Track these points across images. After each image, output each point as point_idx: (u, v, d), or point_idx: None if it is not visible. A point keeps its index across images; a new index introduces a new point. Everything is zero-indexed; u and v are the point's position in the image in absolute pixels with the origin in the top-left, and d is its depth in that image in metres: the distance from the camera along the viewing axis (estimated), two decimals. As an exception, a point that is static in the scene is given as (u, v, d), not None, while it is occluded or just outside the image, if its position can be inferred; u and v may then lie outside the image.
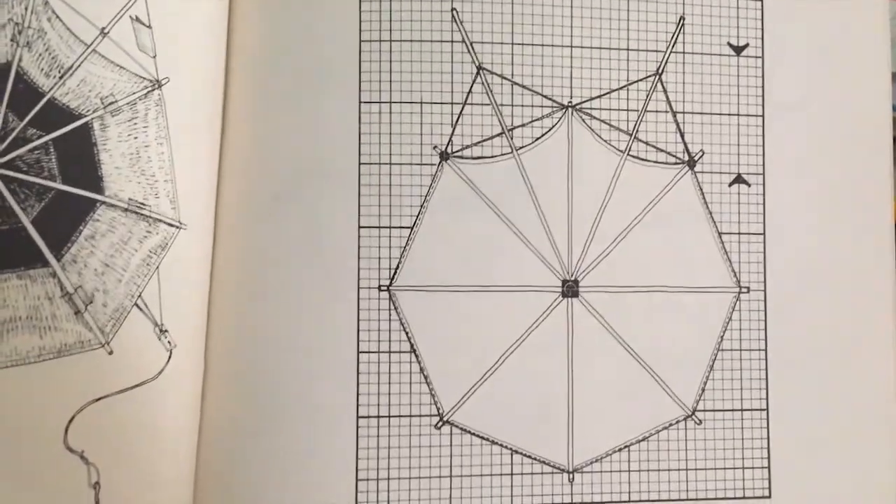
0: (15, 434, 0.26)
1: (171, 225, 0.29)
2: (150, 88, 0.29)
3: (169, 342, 0.29)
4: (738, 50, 0.33)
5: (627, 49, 0.33)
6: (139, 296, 0.28)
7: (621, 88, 0.33)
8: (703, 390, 0.32)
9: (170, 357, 0.29)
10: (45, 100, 0.27)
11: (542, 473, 0.31)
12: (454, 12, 0.32)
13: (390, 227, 0.31)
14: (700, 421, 0.32)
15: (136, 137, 0.28)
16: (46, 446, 0.26)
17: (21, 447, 0.26)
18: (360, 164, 0.31)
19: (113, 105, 0.28)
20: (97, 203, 0.27)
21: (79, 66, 0.27)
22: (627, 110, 0.32)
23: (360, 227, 0.31)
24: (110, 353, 0.27)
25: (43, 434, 0.26)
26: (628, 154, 0.32)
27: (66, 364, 0.26)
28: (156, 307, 0.28)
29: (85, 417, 0.27)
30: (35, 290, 0.26)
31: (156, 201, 0.29)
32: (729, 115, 0.33)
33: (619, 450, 0.32)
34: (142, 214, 0.28)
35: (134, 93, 0.28)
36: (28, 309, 0.26)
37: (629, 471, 0.32)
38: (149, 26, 0.29)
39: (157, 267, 0.28)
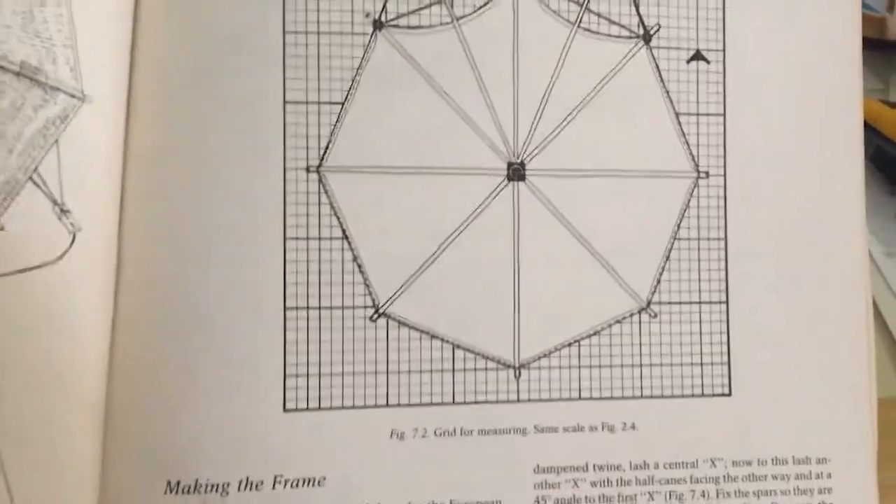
0: None
1: (72, 96, 0.26)
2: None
3: (72, 224, 0.26)
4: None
5: (578, -90, 0.30)
6: (35, 170, 0.25)
7: (571, -46, 0.30)
8: (659, 281, 0.30)
9: (73, 240, 0.26)
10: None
11: (486, 370, 0.29)
12: None
13: (319, 103, 0.29)
14: (655, 314, 0.30)
15: (28, -6, 0.25)
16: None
17: None
18: (284, 32, 0.28)
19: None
20: (-18, 62, 0.24)
21: None
22: (578, -23, 0.30)
23: (285, 101, 0.28)
24: (1, 228, 0.24)
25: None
26: (579, 26, 0.30)
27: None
28: (55, 184, 0.25)
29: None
30: None
31: (53, 67, 0.26)
32: (688, -15, 0.30)
33: (569, 345, 0.30)
34: (36, 80, 0.25)
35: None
36: None
37: (580, 367, 0.30)
38: None
39: (56, 140, 0.26)
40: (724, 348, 0.30)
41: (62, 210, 0.26)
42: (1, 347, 0.24)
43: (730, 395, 0.30)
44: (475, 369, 0.29)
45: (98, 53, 0.27)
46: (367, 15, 0.29)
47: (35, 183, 0.25)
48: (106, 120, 0.27)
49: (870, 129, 0.44)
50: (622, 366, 0.30)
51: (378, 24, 0.29)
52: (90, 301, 0.26)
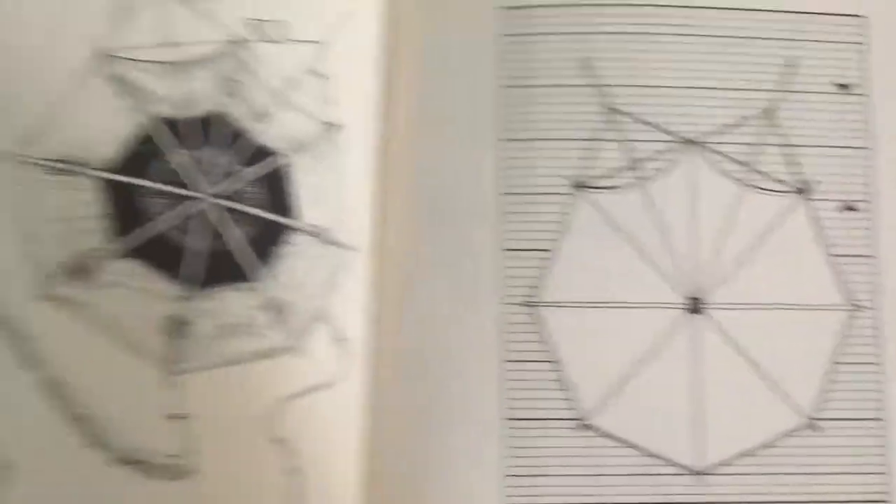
0: (227, 423, 0.30)
1: (348, 248, 0.34)
2: (329, 131, 0.34)
3: (346, 350, 0.33)
4: (844, 88, 0.37)
5: (743, 89, 0.36)
6: (324, 309, 0.33)
7: (737, 125, 0.36)
8: (821, 400, 0.35)
9: (347, 363, 0.33)
10: (248, 141, 0.32)
11: (672, 475, 0.35)
12: (586, 60, 0.36)
13: (531, 251, 0.35)
14: (819, 429, 0.35)
15: (319, 173, 0.33)
16: (254, 434, 0.30)
17: (231, 435, 0.30)
18: (500, 193, 0.36)
19: (302, 145, 0.33)
20: (292, 229, 0.32)
21: (276, 112, 0.33)
22: (746, 144, 0.36)
23: (502, 249, 0.35)
24: (301, 356, 0.32)
25: (250, 424, 0.31)
26: (745, 184, 0.36)
27: (269, 365, 0.31)
28: (337, 319, 0.33)
29: (284, 411, 0.31)
30: (246, 301, 0.31)
31: (335, 228, 0.33)
32: (839, 147, 0.36)
33: (745, 455, 0.35)
34: (324, 239, 0.33)
35: (318, 135, 0.33)
36: (241, 317, 0.31)
37: (753, 474, 0.35)
38: (328, 78, 0.34)
39: (337, 284, 0.33)
40: (882, 459, 0.35)
41: (341, 339, 0.33)
42: (302, 451, 0.31)
43: (888, 502, 0.35)
44: (663, 474, 0.35)
45: (362, 213, 0.35)
46: (569, 179, 0.36)
47: (323, 319, 0.33)
48: (367, 267, 0.35)
49: None
50: (789, 473, 0.35)
51: (578, 187, 0.36)
52: (359, 412, 0.33)
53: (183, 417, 0.29)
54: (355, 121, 0.35)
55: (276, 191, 0.32)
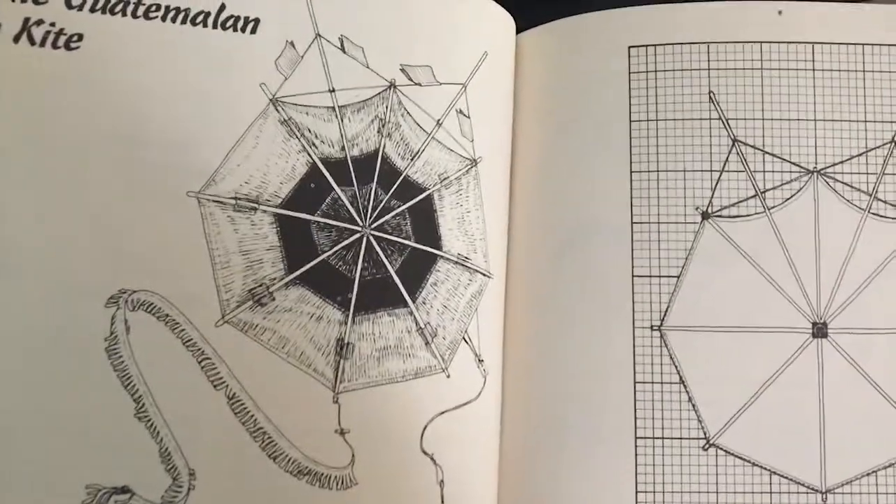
0: (383, 438, 0.33)
1: (485, 275, 0.36)
2: (470, 166, 0.36)
3: (484, 370, 0.36)
4: (966, 118, 0.38)
5: (865, 120, 0.38)
6: (465, 331, 0.35)
7: (861, 155, 0.38)
8: (947, 423, 0.36)
9: (485, 382, 0.36)
10: (401, 177, 0.35)
11: (798, 493, 0.36)
12: (711, 94, 0.38)
13: (660, 276, 0.37)
14: (944, 450, 0.36)
15: (461, 205, 0.36)
16: (406, 449, 0.33)
17: (387, 449, 0.33)
18: (632, 222, 0.38)
19: (446, 180, 0.36)
20: (438, 257, 0.35)
21: (423, 150, 0.35)
22: (867, 173, 0.37)
23: (633, 275, 0.37)
24: (448, 376, 0.35)
25: (403, 439, 0.33)
26: (869, 212, 0.37)
27: (420, 384, 0.34)
28: (476, 341, 0.36)
29: (433, 427, 0.34)
30: (399, 324, 0.34)
31: (475, 256, 0.36)
32: (961, 175, 0.37)
33: (868, 474, 0.36)
34: (466, 266, 0.36)
35: (460, 170, 0.36)
36: (395, 339, 0.34)
37: (877, 493, 0.36)
38: (468, 117, 0.37)
39: (476, 309, 0.36)
40: None
41: (479, 360, 0.36)
42: (447, 465, 0.34)
43: None
44: (789, 492, 0.36)
45: (497, 241, 0.37)
46: (697, 208, 0.38)
47: (465, 341, 0.35)
48: (500, 291, 0.37)
49: None
50: (915, 494, 0.36)
51: (705, 215, 0.38)
52: (494, 429, 0.35)
53: (347, 432, 0.32)
54: (491, 155, 0.37)
55: (425, 222, 0.35)
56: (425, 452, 0.33)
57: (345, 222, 0.34)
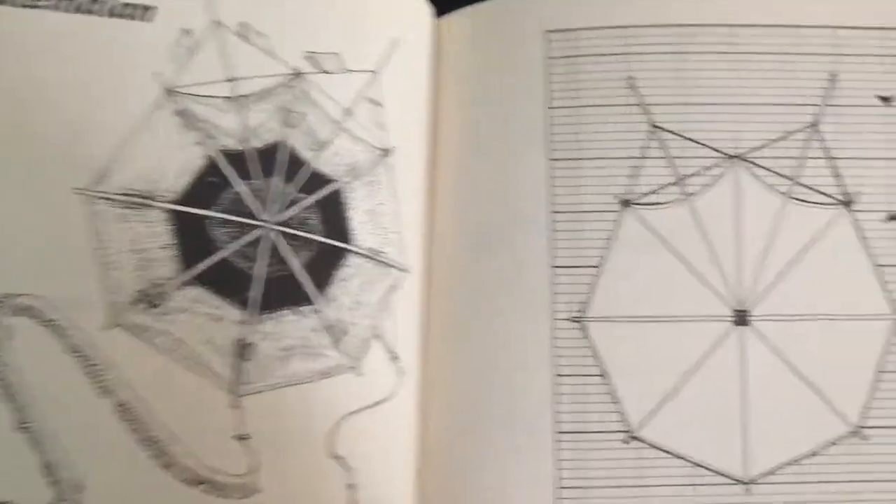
0: (289, 442, 0.32)
1: (401, 269, 0.35)
2: (382, 156, 0.35)
3: (400, 367, 0.34)
4: (886, 101, 0.37)
5: (786, 104, 0.37)
6: (378, 328, 0.34)
7: (781, 139, 0.37)
8: (868, 408, 0.36)
9: (401, 380, 0.34)
10: (308, 169, 0.33)
11: (720, 484, 0.35)
12: (629, 80, 0.37)
13: (580, 267, 0.36)
14: (866, 437, 0.36)
15: (373, 197, 0.35)
16: (314, 452, 0.32)
17: (293, 453, 0.32)
18: (551, 212, 0.37)
19: (357, 171, 0.34)
20: (348, 252, 0.34)
21: (332, 140, 0.34)
22: (787, 158, 0.37)
23: (552, 266, 0.36)
24: (359, 375, 0.33)
25: (310, 442, 0.32)
26: (790, 197, 0.37)
27: (328, 384, 0.32)
28: (391, 338, 0.34)
29: (342, 429, 0.33)
30: (305, 323, 0.32)
31: (389, 249, 0.35)
32: (881, 159, 0.37)
33: (792, 463, 0.35)
34: (379, 261, 0.34)
35: (372, 160, 0.35)
36: (300, 339, 0.32)
37: (801, 483, 0.35)
38: (381, 105, 0.35)
39: (390, 304, 0.34)
40: (930, 467, 0.36)
41: (394, 357, 0.34)
42: (358, 468, 0.33)
43: (937, 509, 0.35)
44: (712, 484, 0.36)
45: (414, 234, 0.36)
46: (617, 197, 0.37)
47: (379, 338, 0.34)
48: (418, 286, 0.36)
49: None
50: (837, 482, 0.36)
51: (625, 203, 0.37)
52: (411, 428, 0.34)
53: (247, 438, 0.31)
54: (406, 145, 0.36)
55: (334, 216, 0.33)
56: (334, 455, 0.32)
57: (246, 217, 0.32)
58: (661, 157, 0.37)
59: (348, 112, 0.34)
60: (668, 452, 0.35)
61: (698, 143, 0.37)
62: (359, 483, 0.32)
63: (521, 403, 0.35)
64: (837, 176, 0.37)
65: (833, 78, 0.37)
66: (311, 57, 0.34)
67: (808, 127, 0.37)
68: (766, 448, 0.35)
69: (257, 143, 0.33)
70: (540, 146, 0.37)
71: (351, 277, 0.33)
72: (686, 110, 0.37)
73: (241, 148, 0.32)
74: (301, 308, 0.32)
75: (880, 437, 0.36)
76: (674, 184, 0.37)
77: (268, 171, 0.33)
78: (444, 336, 0.36)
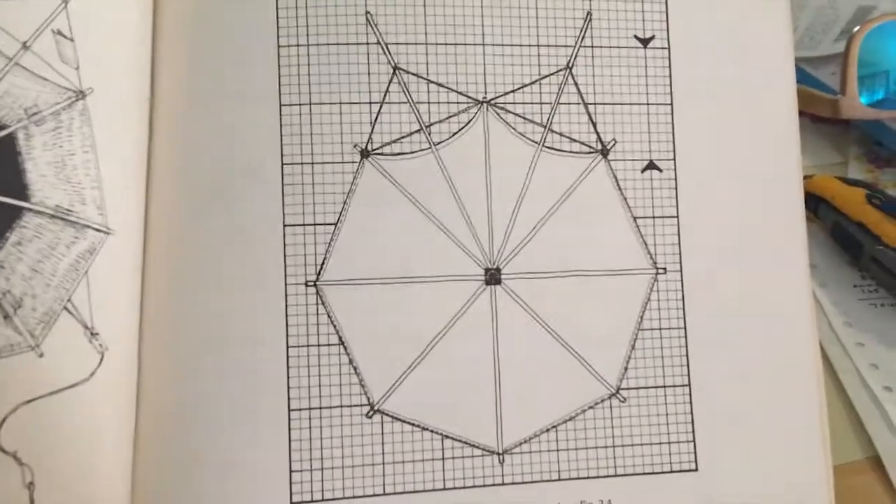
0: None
1: (99, 230, 0.30)
2: (73, 99, 0.30)
3: (100, 345, 0.29)
4: (644, 42, 0.35)
5: (538, 45, 0.34)
6: (68, 300, 0.29)
7: (534, 83, 0.34)
8: (626, 369, 0.34)
9: (101, 359, 0.29)
10: (-32, 112, 0.28)
11: (472, 457, 0.33)
12: (368, 16, 0.33)
13: (315, 225, 0.32)
14: (624, 399, 0.33)
15: (61, 146, 0.29)
16: (-22, 448, 0.27)
17: (-46, 450, 0.26)
18: (282, 164, 0.32)
19: (37, 115, 0.29)
20: (23, 210, 0.28)
21: (1, 78, 0.28)
22: (541, 103, 0.34)
23: (284, 225, 0.32)
24: (40, 355, 0.28)
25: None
26: (543, 145, 0.34)
27: (-3, 366, 0.27)
28: (86, 311, 0.29)
29: (17, 419, 0.27)
30: (-36, 295, 0.27)
31: (83, 207, 0.30)
32: (639, 104, 0.35)
33: (547, 430, 0.33)
34: (69, 220, 0.29)
35: (58, 103, 0.29)
36: (-43, 314, 0.27)
37: (558, 450, 0.33)
38: (71, 39, 0.30)
39: (87, 271, 0.29)
40: (690, 427, 0.34)
41: (92, 333, 0.29)
42: (38, 464, 0.28)
43: (696, 470, 0.34)
44: (463, 457, 0.33)
45: (119, 191, 0.31)
46: (355, 146, 0.33)
47: (69, 311, 0.29)
48: (127, 250, 0.31)
49: (828, 206, 0.48)
50: (597, 447, 0.33)
51: (365, 153, 0.33)
52: (117, 414, 0.30)
53: None
54: (108, 87, 0.31)
55: (4, 167, 0.28)
56: (4, 450, 0.27)
57: None
58: (404, 103, 0.33)
59: (25, 45, 0.29)
60: (414, 425, 0.32)
61: (444, 86, 0.33)
62: (39, 481, 0.27)
63: (250, 380, 0.31)
64: (593, 123, 0.34)
65: (588, 17, 0.34)
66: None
67: (562, 70, 0.34)
68: (521, 416, 0.33)
69: None
70: (270, 90, 0.32)
71: (28, 240, 0.28)
72: (431, 50, 0.33)
73: None
74: (-42, 278, 0.27)
75: (638, 398, 0.33)
76: (418, 131, 0.33)
77: None
78: (161, 307, 0.32)
